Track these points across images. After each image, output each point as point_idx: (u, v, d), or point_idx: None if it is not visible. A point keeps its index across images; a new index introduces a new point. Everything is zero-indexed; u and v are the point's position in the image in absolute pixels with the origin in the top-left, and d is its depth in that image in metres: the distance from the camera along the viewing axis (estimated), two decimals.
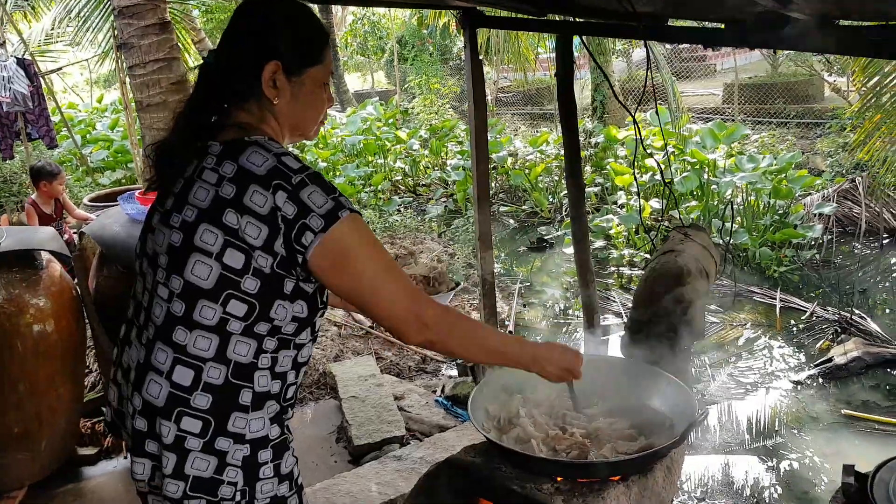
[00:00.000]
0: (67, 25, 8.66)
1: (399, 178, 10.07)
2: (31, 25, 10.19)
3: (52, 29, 9.26)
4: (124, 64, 5.18)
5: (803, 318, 5.10)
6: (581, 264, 3.17)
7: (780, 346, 4.82)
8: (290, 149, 1.37)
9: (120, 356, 1.40)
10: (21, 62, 6.97)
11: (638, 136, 2.83)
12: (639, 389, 2.00)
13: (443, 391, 3.90)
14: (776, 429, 3.88)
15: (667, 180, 6.57)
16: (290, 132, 1.39)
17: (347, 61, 19.36)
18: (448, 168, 9.68)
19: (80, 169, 9.84)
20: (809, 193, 7.13)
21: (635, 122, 2.44)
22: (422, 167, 10.29)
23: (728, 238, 2.74)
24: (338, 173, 9.30)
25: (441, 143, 10.35)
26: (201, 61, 1.43)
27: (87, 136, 11.61)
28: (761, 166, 6.64)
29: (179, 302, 1.24)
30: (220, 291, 1.21)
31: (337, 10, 18.57)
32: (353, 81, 21.28)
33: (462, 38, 3.24)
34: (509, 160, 9.43)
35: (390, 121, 11.73)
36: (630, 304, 5.19)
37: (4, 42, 7.51)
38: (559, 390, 1.88)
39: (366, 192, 8.87)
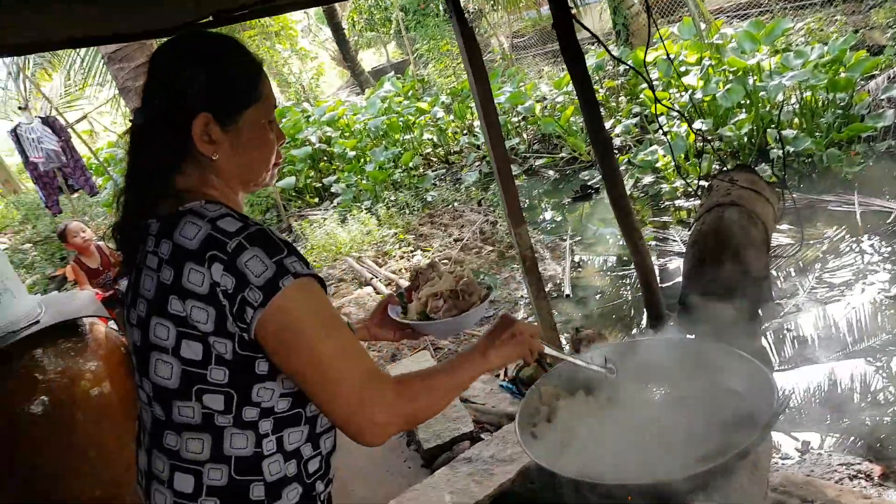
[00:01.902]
0: (76, 76, 8.76)
1: (429, 150, 9.83)
2: (51, 80, 10.38)
3: (68, 80, 9.40)
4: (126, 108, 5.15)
5: (889, 220, 4.62)
6: (627, 227, 2.91)
7: (869, 244, 4.41)
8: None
9: (136, 459, 1.30)
10: (46, 120, 7.09)
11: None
12: (707, 372, 1.78)
13: (506, 374, 3.75)
14: (880, 326, 3.53)
15: (706, 98, 6.10)
16: (241, 186, 1.23)
17: (358, 40, 18.99)
18: (476, 130, 9.36)
19: (112, 202, 10.06)
20: (873, 76, 6.41)
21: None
22: (450, 134, 10.01)
23: (784, 149, 2.42)
24: (367, 160, 9.14)
25: (464, 105, 10.00)
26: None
27: None
28: (811, 60, 6.01)
29: (157, 405, 1.15)
30: (189, 388, 1.10)
31: None
32: (369, 58, 20.94)
33: None
34: (538, 108, 9.02)
35: (409, 93, 11.42)
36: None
37: (27, 105, 7.65)
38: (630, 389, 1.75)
39: (398, 174, 8.70)
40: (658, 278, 3.14)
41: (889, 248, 4.32)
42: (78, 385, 2.77)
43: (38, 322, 2.82)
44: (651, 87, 2.53)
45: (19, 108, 6.98)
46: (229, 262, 1.04)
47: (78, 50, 7.85)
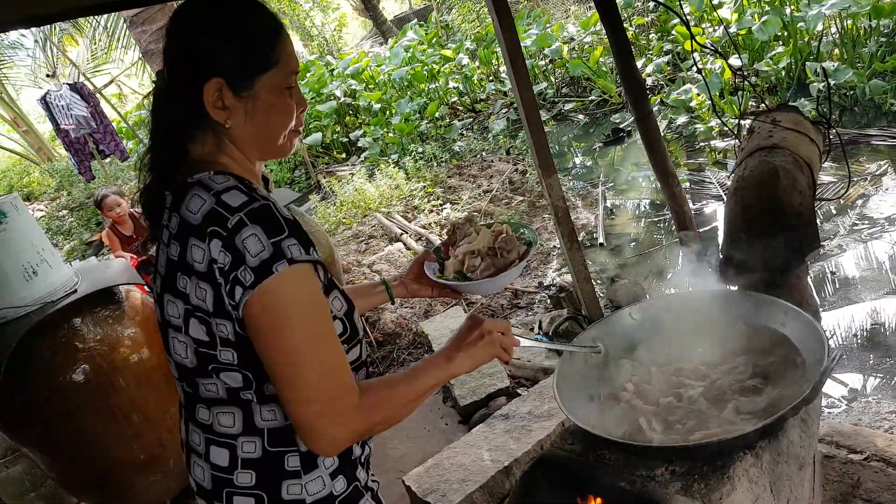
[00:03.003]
0: (101, 40, 8.72)
1: (455, 99, 9.63)
2: (77, 45, 10.38)
3: (94, 45, 9.38)
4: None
5: None
6: (662, 173, 2.81)
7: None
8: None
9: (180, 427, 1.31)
10: (74, 87, 7.11)
11: None
12: (753, 325, 1.72)
13: (540, 327, 3.73)
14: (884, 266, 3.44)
15: (741, 31, 5.80)
16: (258, 154, 1.18)
17: None
18: (503, 76, 9.11)
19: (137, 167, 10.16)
20: None
21: None
22: (475, 81, 9.76)
23: (827, 82, 2.25)
24: (393, 112, 9.00)
25: (489, 50, 9.72)
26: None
27: None
28: None
29: (184, 382, 1.15)
30: (205, 367, 1.08)
31: None
32: (391, 6, 20.43)
33: None
34: (565, 49, 8.71)
35: (433, 41, 11.13)
36: (727, 182, 4.70)
37: (55, 72, 7.68)
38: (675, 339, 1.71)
39: (424, 125, 8.56)
40: (695, 224, 3.03)
41: None
42: (117, 352, 2.82)
43: (75, 291, 2.87)
44: (685, 23, 2.38)
45: (47, 75, 7.00)
46: (228, 239, 0.99)
47: (100, 16, 7.78)
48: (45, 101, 6.72)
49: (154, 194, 1.14)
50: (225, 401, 1.10)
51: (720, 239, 3.96)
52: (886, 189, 4.21)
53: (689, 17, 7.52)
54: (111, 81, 11.68)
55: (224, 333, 1.04)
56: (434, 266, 1.53)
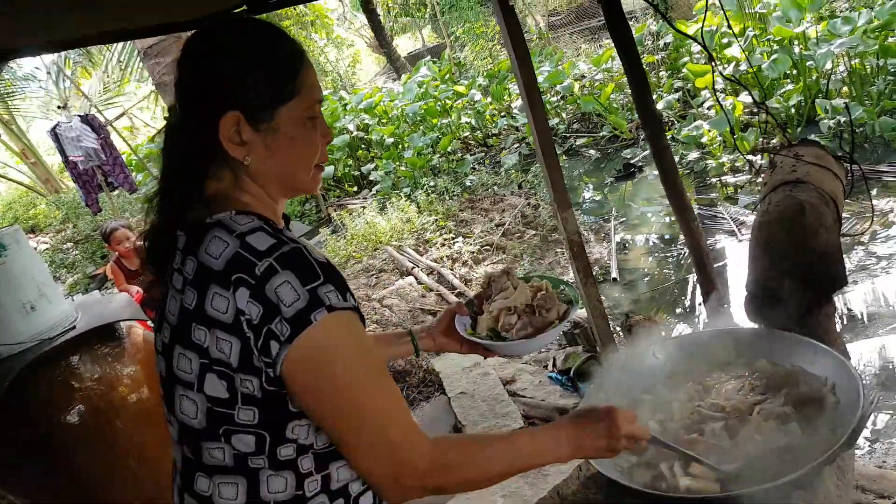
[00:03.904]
0: (113, 73, 8.87)
1: (467, 134, 9.70)
2: (90, 78, 10.57)
3: (107, 78, 9.53)
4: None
5: None
6: (679, 207, 2.77)
7: None
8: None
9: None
10: (84, 119, 7.20)
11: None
12: (780, 364, 1.67)
13: (554, 365, 3.65)
14: None
15: (752, 69, 5.83)
16: (280, 192, 1.09)
17: (393, 25, 18.88)
18: (515, 111, 9.18)
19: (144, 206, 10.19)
20: None
21: None
22: (488, 117, 9.85)
23: (850, 117, 2.25)
24: (405, 146, 9.07)
25: (502, 86, 9.82)
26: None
27: None
28: (859, 26, 5.67)
29: (185, 445, 1.05)
30: (216, 429, 0.98)
31: None
32: (404, 43, 20.81)
33: None
34: (576, 86, 8.79)
35: (446, 77, 11.28)
36: (745, 223, 4.65)
37: (67, 104, 7.79)
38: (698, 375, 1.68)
39: (437, 159, 8.60)
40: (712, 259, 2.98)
41: None
42: (116, 391, 2.71)
43: (74, 327, 2.74)
44: (710, 56, 2.38)
45: (59, 107, 7.08)
46: (257, 288, 0.91)
47: (114, 47, 7.92)
48: (54, 133, 6.76)
49: (163, 235, 1.06)
50: (230, 469, 0.99)
51: (728, 274, 3.89)
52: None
53: (698, 56, 7.58)
54: (123, 114, 11.84)
55: (249, 390, 0.95)
56: (466, 321, 1.43)
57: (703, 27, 2.81)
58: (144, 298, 4.45)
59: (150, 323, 3.24)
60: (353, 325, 0.95)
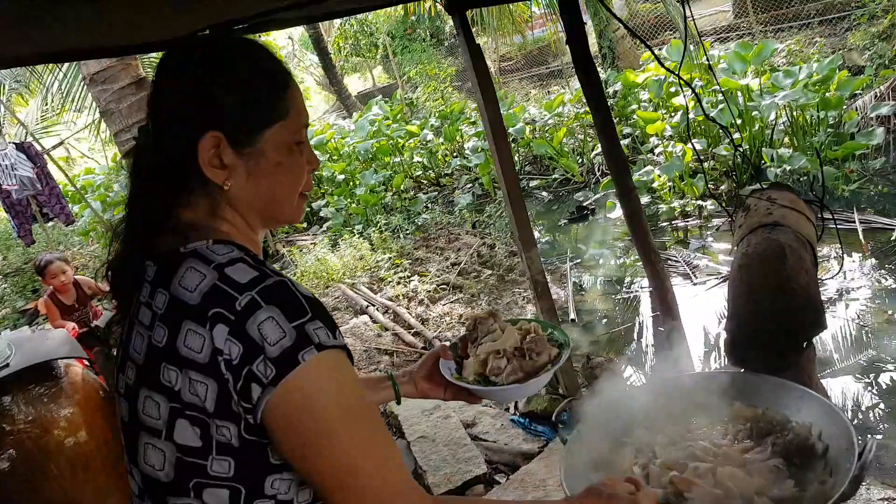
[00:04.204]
0: (53, 100, 8.54)
1: (419, 173, 9.71)
2: (27, 105, 10.13)
3: (46, 105, 9.15)
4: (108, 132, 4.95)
5: (893, 238, 4.56)
6: (644, 248, 2.78)
7: (852, 261, 4.38)
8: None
9: None
10: (20, 146, 6.84)
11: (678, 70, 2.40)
12: (764, 408, 1.63)
13: (517, 408, 3.56)
14: (865, 342, 3.52)
15: (699, 118, 6.06)
16: (261, 222, 1.01)
17: (344, 64, 18.97)
18: (467, 152, 9.26)
19: (106, 235, 9.75)
20: (856, 96, 6.45)
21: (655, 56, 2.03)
22: (440, 157, 9.90)
23: (820, 162, 2.35)
24: (357, 183, 8.99)
25: (454, 127, 9.92)
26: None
27: (106, 199, 11.54)
28: (801, 79, 6.02)
29: (149, 500, 0.93)
30: (185, 483, 0.88)
31: None
32: (354, 83, 20.92)
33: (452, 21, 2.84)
34: (527, 130, 8.96)
35: (398, 116, 11.34)
36: (725, 292, 4.74)
37: (1, 131, 7.40)
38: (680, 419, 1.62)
39: (389, 197, 8.55)
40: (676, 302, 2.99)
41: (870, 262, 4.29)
42: (51, 435, 2.53)
43: (7, 365, 2.61)
44: (697, 98, 2.41)
45: None
46: (237, 324, 0.82)
47: (56, 73, 7.62)
48: None
49: (129, 265, 0.97)
50: None
51: (685, 318, 3.93)
52: (824, 266, 4.36)
53: (645, 104, 7.87)
54: (60, 143, 11.37)
55: (225, 438, 0.85)
56: (450, 365, 1.35)
57: (683, 75, 2.87)
58: (81, 334, 4.17)
59: (86, 361, 3.03)
60: (343, 365, 0.87)
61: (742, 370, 1.77)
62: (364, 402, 0.89)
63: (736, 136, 6.11)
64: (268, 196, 0.97)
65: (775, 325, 1.71)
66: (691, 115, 6.24)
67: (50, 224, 7.52)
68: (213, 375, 0.83)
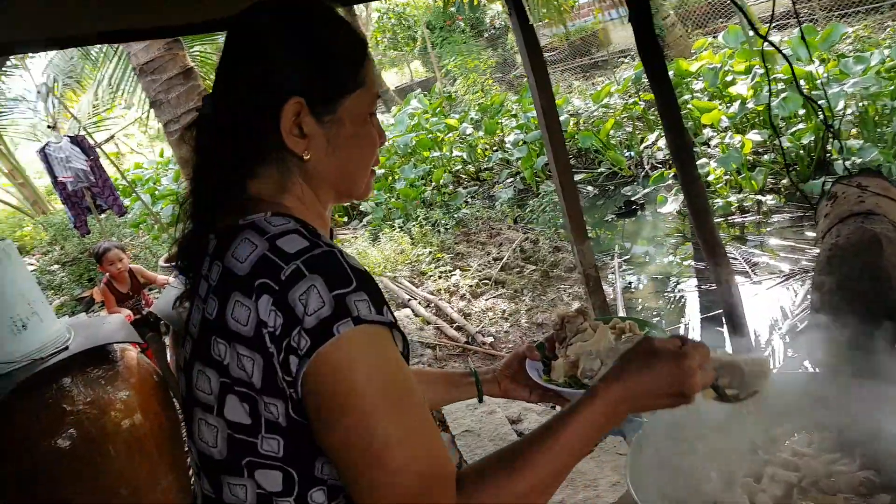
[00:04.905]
0: (104, 93, 8.73)
1: (459, 167, 9.59)
2: (78, 100, 10.40)
3: (96, 100, 9.37)
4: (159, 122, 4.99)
5: None
6: (707, 243, 2.60)
7: None
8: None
9: None
10: (74, 140, 6.99)
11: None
12: (854, 412, 1.47)
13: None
14: None
15: (758, 107, 5.78)
16: (334, 195, 0.97)
17: (382, 59, 18.99)
18: (508, 146, 9.11)
19: (156, 227, 9.95)
20: None
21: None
22: (480, 150, 9.77)
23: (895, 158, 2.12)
24: (397, 177, 8.93)
25: (494, 120, 9.77)
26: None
27: (155, 192, 11.79)
28: (872, 65, 5.66)
29: (205, 479, 0.88)
30: (238, 462, 0.84)
31: (361, 9, 18.24)
32: (391, 77, 20.94)
33: (492, 6, 2.71)
34: (571, 122, 8.75)
35: (437, 110, 11.24)
36: (807, 277, 4.51)
37: (56, 125, 7.58)
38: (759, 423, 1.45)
39: (429, 191, 8.46)
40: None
41: None
42: (108, 416, 2.55)
43: (66, 348, 2.65)
44: (791, 70, 2.23)
45: (48, 126, 6.88)
46: (280, 294, 0.77)
47: (106, 68, 7.76)
48: (43, 153, 6.58)
49: (195, 241, 0.93)
50: None
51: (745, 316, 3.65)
52: None
53: (699, 94, 7.58)
54: (111, 138, 11.65)
55: (273, 416, 0.80)
56: (538, 365, 1.26)
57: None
58: (134, 321, 4.23)
59: (139, 348, 3.07)
60: (383, 342, 0.79)
61: (830, 369, 1.61)
62: (406, 386, 0.80)
63: (800, 126, 5.82)
64: (343, 168, 0.94)
65: (870, 322, 1.54)
66: (749, 105, 5.96)
67: (103, 215, 7.72)
68: (258, 349, 0.79)
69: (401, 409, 0.78)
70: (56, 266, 8.94)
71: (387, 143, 10.09)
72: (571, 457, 0.84)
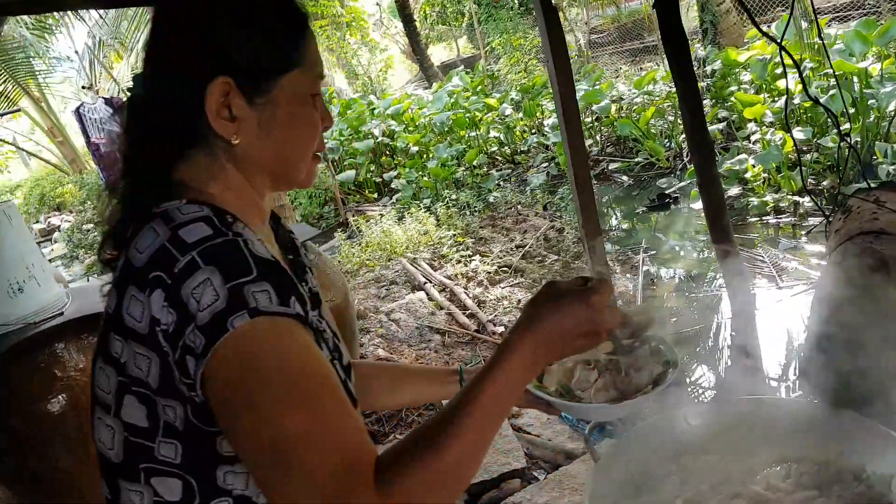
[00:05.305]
0: (139, 56, 8.84)
1: (495, 149, 9.44)
2: (120, 62, 10.59)
3: (136, 63, 9.52)
4: None
5: None
6: (723, 250, 2.46)
7: None
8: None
9: None
10: (109, 102, 7.11)
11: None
12: (839, 451, 1.36)
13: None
14: None
15: (805, 104, 5.49)
16: (271, 182, 0.91)
17: (429, 33, 18.78)
18: (546, 129, 8.90)
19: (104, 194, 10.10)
20: None
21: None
22: (517, 133, 9.59)
23: None
24: (430, 156, 8.84)
25: (535, 102, 9.56)
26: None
27: None
28: None
29: (104, 481, 0.85)
30: (134, 466, 0.79)
31: None
32: (439, 52, 20.72)
33: None
34: (613, 108, 8.49)
35: (478, 89, 11.06)
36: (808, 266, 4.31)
37: (92, 85, 7.72)
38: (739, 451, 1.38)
39: (461, 172, 8.35)
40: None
41: None
42: None
43: (62, 314, 2.69)
44: (800, 75, 2.08)
45: (83, 87, 7.00)
46: (173, 289, 0.72)
47: (142, 30, 7.84)
48: (78, 113, 6.70)
49: (123, 230, 0.87)
50: None
51: (761, 324, 3.49)
52: None
53: (746, 86, 7.25)
54: None
55: (171, 419, 0.76)
56: None
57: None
58: None
59: None
60: (287, 335, 0.73)
61: (819, 401, 1.49)
62: (316, 379, 0.72)
63: (846, 126, 5.49)
64: (280, 154, 0.88)
65: (865, 355, 1.41)
66: (797, 100, 5.66)
67: None
68: (154, 348, 0.74)
69: (308, 404, 0.70)
70: (89, 225, 9.19)
71: (423, 120, 10.00)
72: (495, 420, 0.79)
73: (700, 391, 3.18)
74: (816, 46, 5.81)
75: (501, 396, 0.78)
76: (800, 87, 5.80)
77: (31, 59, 9.89)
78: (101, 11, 8.95)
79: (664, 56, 11.00)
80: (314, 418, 0.70)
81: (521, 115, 9.64)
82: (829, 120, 5.59)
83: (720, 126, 7.04)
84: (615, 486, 1.36)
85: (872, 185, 1.75)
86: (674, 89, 7.68)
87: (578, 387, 1.12)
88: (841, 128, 2.23)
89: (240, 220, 0.83)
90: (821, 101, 5.18)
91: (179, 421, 0.76)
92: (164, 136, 0.85)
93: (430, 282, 5.07)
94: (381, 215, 6.97)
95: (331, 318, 1.12)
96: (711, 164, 2.53)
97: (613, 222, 6.56)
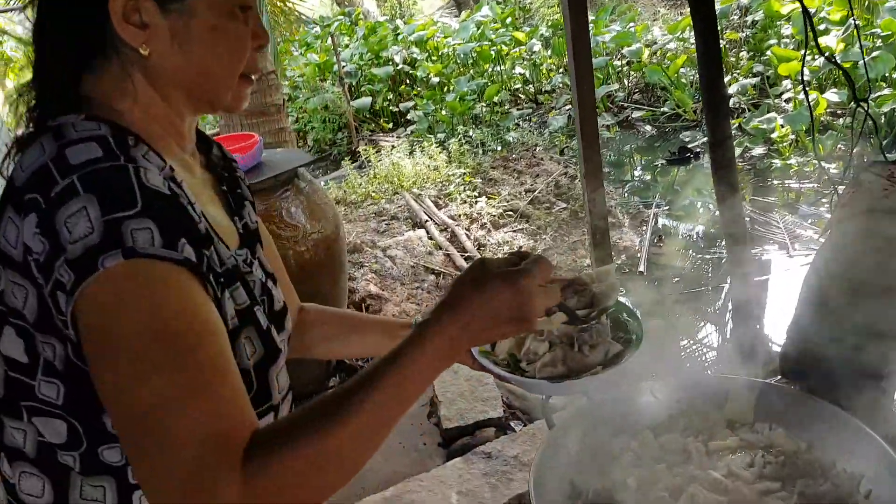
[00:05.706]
0: None
1: (518, 86, 9.11)
2: None
3: None
4: None
5: None
6: (727, 212, 2.33)
7: None
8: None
9: None
10: None
11: None
12: (809, 441, 1.28)
13: None
14: None
15: (845, 64, 5.16)
16: (191, 104, 0.82)
17: None
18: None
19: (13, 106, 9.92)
20: None
21: None
22: (544, 71, 9.23)
23: None
24: (451, 88, 8.56)
25: (565, 40, 9.15)
26: None
27: None
28: None
29: None
30: (16, 403, 0.75)
31: None
32: None
33: None
34: (645, 53, 8.09)
35: (507, 21, 10.59)
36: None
37: None
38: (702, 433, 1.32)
39: (480, 108, 8.09)
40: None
41: None
42: None
43: None
44: (812, 29, 1.89)
45: None
46: (47, 214, 0.65)
47: None
48: None
49: (23, 144, 0.79)
50: (32, 460, 0.76)
51: (768, 293, 3.38)
52: None
53: (786, 41, 6.85)
54: None
55: (50, 357, 0.70)
56: None
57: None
58: None
59: None
60: (163, 282, 0.65)
61: (795, 386, 1.41)
62: (190, 338, 0.64)
63: (886, 91, 5.17)
64: (198, 70, 0.79)
65: (849, 345, 1.31)
66: (837, 60, 5.31)
67: None
68: (28, 277, 0.68)
69: (176, 365, 0.63)
70: None
71: (447, 50, 9.64)
72: (395, 409, 0.70)
73: (673, 362, 3.10)
74: (867, 2, 5.41)
75: (406, 385, 0.70)
76: (842, 46, 5.46)
77: None
78: None
79: None
80: (180, 382, 0.63)
81: (549, 52, 9.25)
82: (868, 84, 5.27)
83: (753, 81, 6.70)
84: (565, 457, 1.30)
85: (890, 158, 1.59)
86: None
87: (526, 358, 1.04)
88: (855, 88, 2.05)
89: (145, 142, 0.75)
90: (862, 62, 4.86)
91: (59, 360, 0.70)
92: (65, 41, 0.76)
93: (433, 220, 4.98)
94: (393, 147, 6.82)
95: (269, 258, 1.04)
96: (725, 122, 2.36)
97: (635, 174, 6.36)
